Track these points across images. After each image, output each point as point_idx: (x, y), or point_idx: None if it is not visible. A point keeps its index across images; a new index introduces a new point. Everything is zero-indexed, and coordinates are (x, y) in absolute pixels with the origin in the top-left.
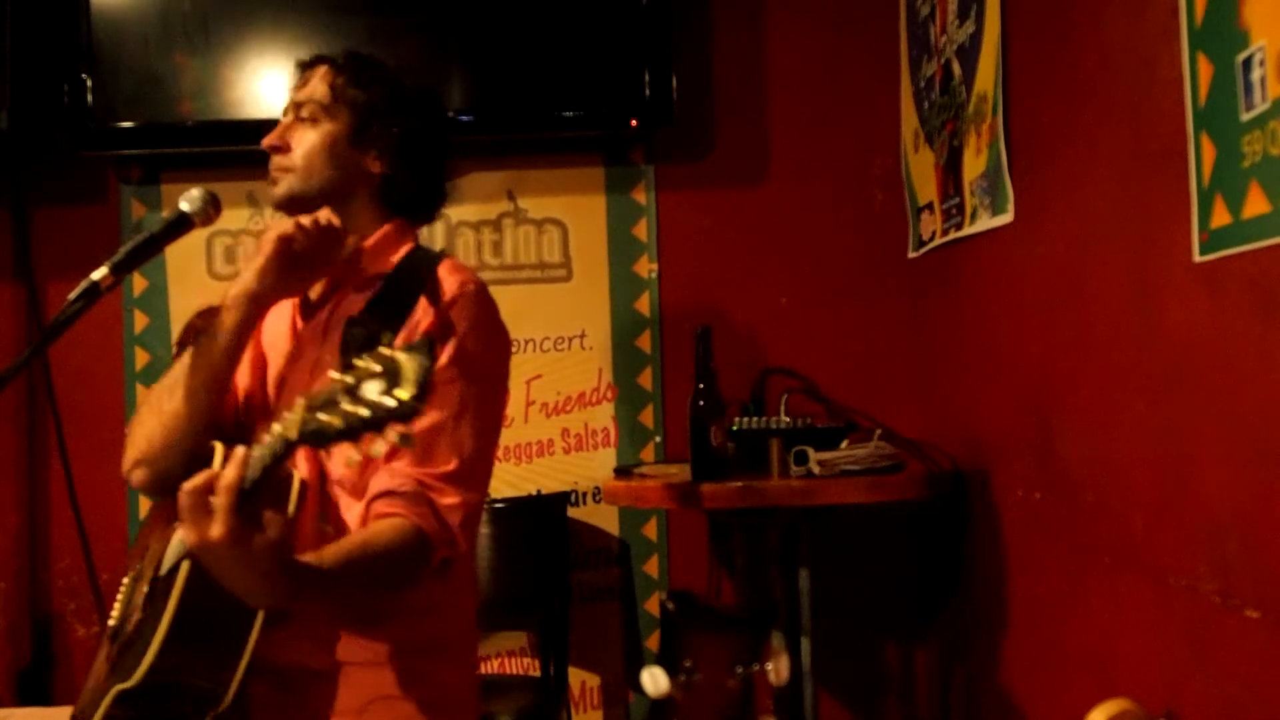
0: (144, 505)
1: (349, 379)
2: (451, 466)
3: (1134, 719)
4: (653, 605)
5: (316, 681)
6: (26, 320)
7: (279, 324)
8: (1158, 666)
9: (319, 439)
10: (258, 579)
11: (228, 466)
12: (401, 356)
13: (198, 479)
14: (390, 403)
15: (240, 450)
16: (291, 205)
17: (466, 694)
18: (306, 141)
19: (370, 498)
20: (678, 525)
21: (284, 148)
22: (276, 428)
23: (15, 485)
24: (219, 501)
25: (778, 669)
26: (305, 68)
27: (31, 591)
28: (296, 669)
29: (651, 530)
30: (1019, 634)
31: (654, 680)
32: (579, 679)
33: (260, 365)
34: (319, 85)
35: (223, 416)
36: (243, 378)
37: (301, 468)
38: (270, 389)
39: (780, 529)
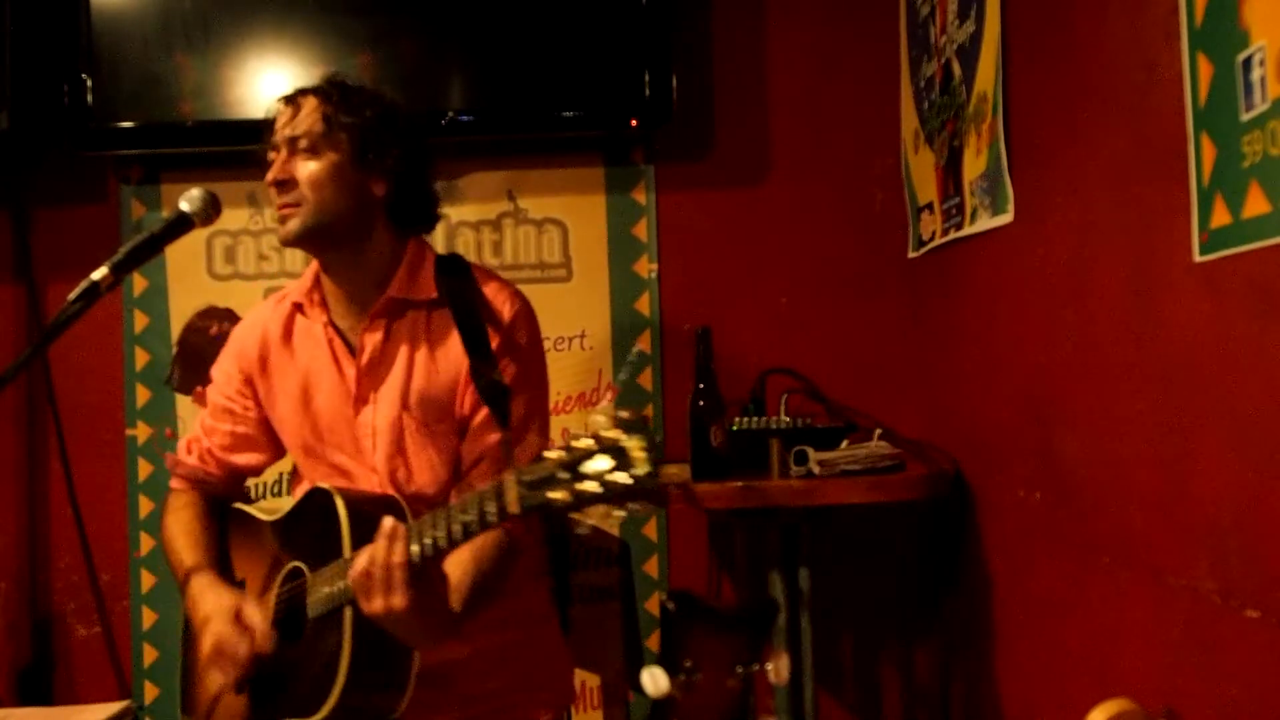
0: (145, 505)
1: (564, 456)
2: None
3: (1134, 719)
4: (653, 605)
5: (454, 670)
6: (26, 320)
7: (315, 360)
8: (1158, 666)
9: (544, 510)
10: (434, 634)
11: (395, 544)
12: (624, 439)
13: (365, 560)
14: (625, 479)
15: (401, 527)
16: (309, 238)
17: (561, 654)
18: (311, 171)
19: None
20: (678, 525)
21: (290, 181)
22: (458, 511)
23: (15, 485)
24: (397, 577)
25: (778, 669)
26: (289, 101)
27: (32, 591)
28: (439, 664)
29: (651, 530)
30: (1019, 634)
31: (654, 680)
32: (579, 679)
33: (299, 400)
34: (311, 117)
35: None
36: (286, 412)
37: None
38: (320, 421)
39: (780, 529)
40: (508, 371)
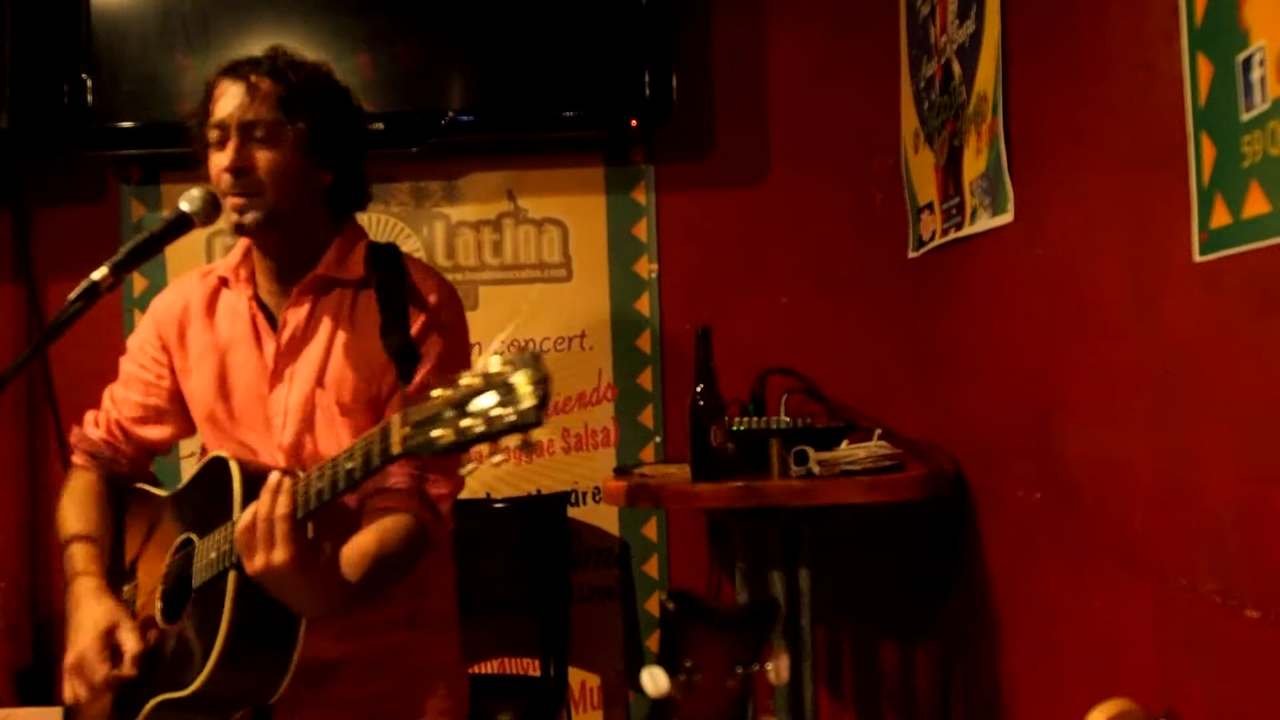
0: None
1: (451, 394)
2: None
3: (1134, 719)
4: (653, 605)
5: (331, 671)
6: (26, 320)
7: (236, 335)
8: (1158, 666)
9: (428, 450)
10: (319, 595)
11: (280, 497)
12: (510, 373)
13: (249, 515)
14: (510, 415)
15: (286, 481)
16: (265, 228)
17: (456, 663)
18: (270, 162)
19: (367, 493)
20: (678, 525)
21: (250, 169)
22: (344, 458)
23: (15, 485)
24: (280, 530)
25: (778, 669)
26: (240, 78)
27: (32, 592)
28: (313, 661)
29: (651, 530)
30: (1019, 634)
31: (654, 680)
32: (579, 679)
33: (215, 375)
34: (268, 103)
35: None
36: (200, 386)
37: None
38: (234, 397)
39: (780, 529)
40: (433, 350)
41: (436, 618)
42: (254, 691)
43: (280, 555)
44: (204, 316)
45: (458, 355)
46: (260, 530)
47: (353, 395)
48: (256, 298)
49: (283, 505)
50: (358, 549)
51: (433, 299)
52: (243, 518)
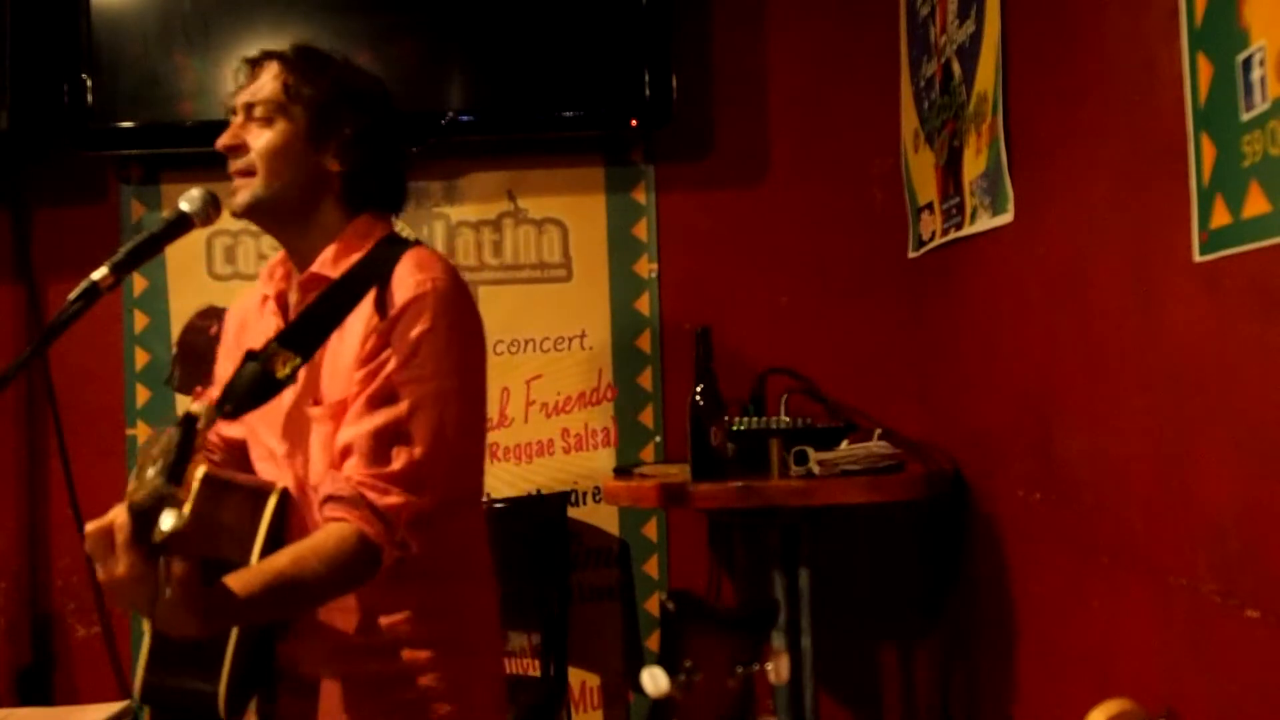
0: None
1: (155, 451)
2: (397, 467)
3: (1134, 719)
4: (653, 605)
5: (317, 690)
6: (26, 320)
7: (262, 336)
8: (1158, 666)
9: (133, 508)
10: (166, 612)
11: (122, 509)
12: (172, 444)
13: (103, 520)
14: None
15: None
16: (255, 211)
17: (472, 691)
18: (264, 141)
19: (319, 501)
20: (678, 525)
21: (241, 147)
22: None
23: (15, 485)
24: (118, 540)
25: (778, 669)
26: (254, 64)
27: (32, 591)
28: (301, 679)
29: (651, 530)
30: (1019, 634)
31: (654, 680)
32: (579, 679)
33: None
34: (271, 84)
35: None
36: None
37: (286, 473)
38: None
39: (780, 529)
40: (389, 364)
41: (446, 644)
42: (198, 693)
43: (120, 567)
44: (257, 317)
45: (423, 372)
46: (103, 541)
47: (324, 398)
48: (280, 296)
49: (121, 515)
50: (266, 564)
51: (399, 299)
52: (91, 524)
